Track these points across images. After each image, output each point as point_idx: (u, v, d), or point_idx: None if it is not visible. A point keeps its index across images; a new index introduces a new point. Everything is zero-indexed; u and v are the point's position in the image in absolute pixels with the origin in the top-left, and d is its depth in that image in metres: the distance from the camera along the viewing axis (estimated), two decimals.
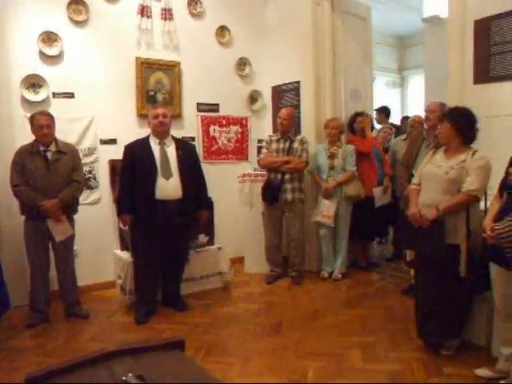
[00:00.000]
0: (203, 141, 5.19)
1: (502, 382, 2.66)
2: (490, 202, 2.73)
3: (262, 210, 4.78)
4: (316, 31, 4.89)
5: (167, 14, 4.82)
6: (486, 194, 2.92)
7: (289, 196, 4.54)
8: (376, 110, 6.63)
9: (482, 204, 2.95)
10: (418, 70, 9.06)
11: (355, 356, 3.09)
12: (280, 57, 5.29)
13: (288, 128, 4.62)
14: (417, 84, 9.57)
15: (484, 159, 2.85)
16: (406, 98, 10.47)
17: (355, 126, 4.90)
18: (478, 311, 3.14)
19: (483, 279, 2.81)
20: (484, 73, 3.52)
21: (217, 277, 4.56)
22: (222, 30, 5.25)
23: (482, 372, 2.80)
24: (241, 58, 5.38)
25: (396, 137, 5.60)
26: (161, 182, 3.70)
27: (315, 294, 4.37)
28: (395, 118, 8.00)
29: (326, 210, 4.62)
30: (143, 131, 4.15)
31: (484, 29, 3.50)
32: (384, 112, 6.68)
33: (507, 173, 1.94)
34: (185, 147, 3.95)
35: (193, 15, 5.05)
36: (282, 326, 3.62)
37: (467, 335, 3.18)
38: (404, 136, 5.09)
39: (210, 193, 4.20)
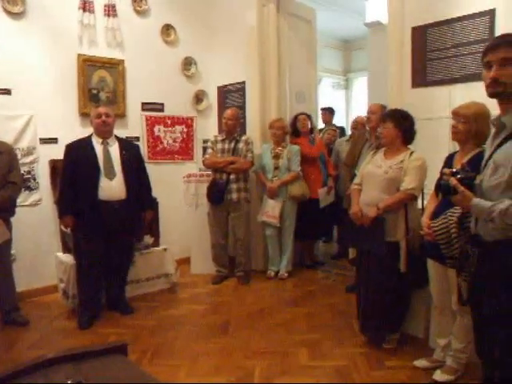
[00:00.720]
0: (148, 141, 5.11)
1: (438, 370, 2.79)
2: (427, 201, 2.86)
3: (207, 211, 4.77)
4: (261, 32, 4.94)
5: (110, 10, 4.70)
6: (422, 193, 3.06)
7: (234, 196, 4.56)
8: (322, 109, 6.78)
9: (419, 202, 3.09)
10: (363, 72, 9.28)
11: (301, 353, 3.15)
12: (226, 57, 5.30)
13: (233, 128, 4.63)
14: (361, 86, 9.83)
15: (420, 159, 2.99)
16: (350, 100, 10.74)
17: (298, 125, 4.96)
18: (417, 305, 3.28)
19: (422, 275, 2.92)
20: (421, 77, 3.68)
21: (163, 278, 4.50)
22: (168, 29, 5.18)
23: (421, 363, 2.93)
24: (186, 58, 5.34)
25: (340, 137, 5.74)
26: (104, 182, 3.62)
27: (262, 293, 4.41)
28: (340, 119, 8.21)
29: (272, 209, 4.68)
30: (86, 130, 4.04)
31: (421, 36, 3.67)
32: (330, 112, 6.83)
33: (442, 173, 2.04)
34: (128, 147, 3.89)
35: (137, 12, 4.96)
36: (229, 325, 3.63)
37: (407, 329, 3.32)
38: (347, 137, 5.22)
39: (155, 193, 4.15)
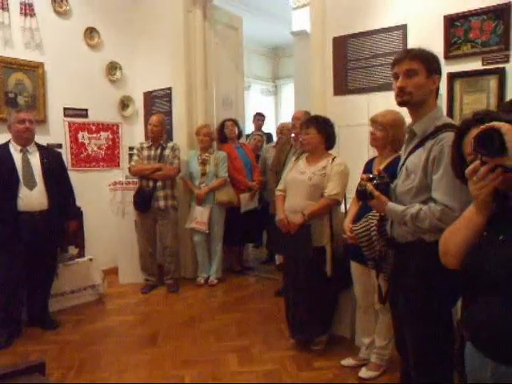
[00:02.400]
0: (71, 148, 4.91)
1: (364, 368, 2.91)
2: (349, 205, 2.97)
3: (134, 219, 4.67)
4: (188, 38, 4.92)
5: (27, 9, 4.46)
6: (345, 197, 3.18)
7: (161, 203, 4.50)
8: (257, 114, 6.88)
9: (342, 207, 3.20)
10: (291, 79, 9.42)
11: (231, 360, 3.16)
12: (152, 62, 5.22)
13: (158, 135, 4.58)
14: (289, 92, 9.99)
15: (342, 165, 3.09)
16: (279, 106, 10.95)
17: (225, 131, 4.98)
18: (344, 307, 3.39)
19: (346, 277, 3.03)
20: (342, 85, 3.84)
21: (89, 290, 4.34)
22: (91, 32, 5.02)
23: (348, 362, 3.04)
24: (111, 62, 5.20)
25: (267, 144, 5.83)
26: (24, 192, 3.45)
27: (192, 300, 4.38)
28: (269, 125, 8.33)
29: (200, 216, 4.66)
30: (2, 137, 3.81)
31: (342, 46, 3.82)
32: (262, 117, 6.95)
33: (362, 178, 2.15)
34: (50, 155, 3.74)
35: (58, 13, 4.75)
36: (159, 335, 3.57)
37: (335, 330, 3.42)
38: (274, 143, 5.31)
39: (79, 202, 4.01)
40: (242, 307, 4.17)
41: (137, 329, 3.74)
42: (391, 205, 1.94)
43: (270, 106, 10.60)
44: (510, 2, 3.12)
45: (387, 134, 2.65)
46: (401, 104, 1.97)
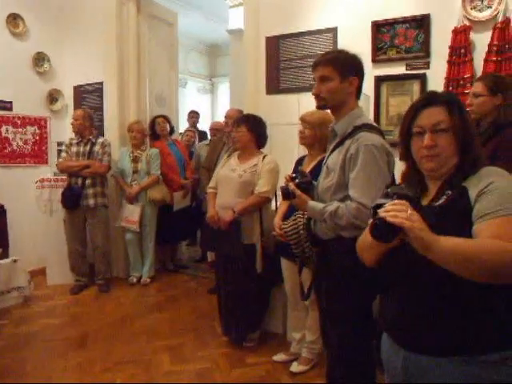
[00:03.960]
0: None
1: (295, 362, 2.97)
2: (280, 203, 3.02)
3: (63, 217, 4.51)
4: (120, 31, 4.81)
5: None
6: (276, 195, 3.23)
7: (91, 201, 4.38)
8: (191, 112, 6.82)
9: (273, 204, 3.25)
10: (227, 78, 9.41)
11: (164, 359, 3.13)
12: (83, 55, 5.05)
13: (82, 129, 4.44)
14: (226, 91, 10.01)
15: (273, 163, 3.15)
16: (216, 104, 10.92)
17: (156, 128, 4.91)
18: (275, 303, 3.44)
19: (277, 273, 3.08)
20: (274, 84, 3.91)
21: (14, 293, 4.14)
22: (15, 19, 4.74)
23: (279, 357, 3.09)
24: (38, 53, 4.97)
25: (200, 141, 5.80)
26: None
27: (123, 300, 4.28)
28: (205, 123, 8.28)
29: (131, 214, 4.58)
30: None
31: (274, 45, 3.89)
32: (196, 114, 6.89)
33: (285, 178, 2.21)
34: None
35: None
36: (88, 337, 3.47)
37: (267, 326, 3.47)
38: (208, 141, 5.29)
39: (3, 200, 3.81)
40: (174, 306, 4.13)
41: (65, 331, 3.61)
42: (312, 203, 2.00)
43: (206, 104, 10.57)
44: (429, 14, 3.32)
45: (315, 132, 2.73)
46: (318, 108, 2.09)
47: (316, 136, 2.73)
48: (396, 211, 1.13)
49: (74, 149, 4.45)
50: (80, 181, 4.36)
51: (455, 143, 1.30)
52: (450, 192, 1.29)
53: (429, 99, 1.35)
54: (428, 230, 1.13)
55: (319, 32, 3.69)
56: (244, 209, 3.08)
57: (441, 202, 1.29)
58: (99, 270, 4.59)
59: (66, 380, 2.87)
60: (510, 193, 1.20)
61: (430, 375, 1.24)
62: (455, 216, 1.24)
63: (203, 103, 10.28)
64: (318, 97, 2.01)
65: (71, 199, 4.34)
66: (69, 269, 4.57)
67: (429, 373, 1.25)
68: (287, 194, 2.04)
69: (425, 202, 1.37)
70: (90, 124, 4.51)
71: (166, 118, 4.97)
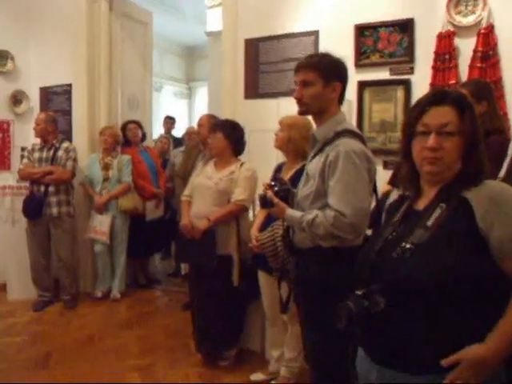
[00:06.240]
0: None
1: (273, 382, 2.96)
2: (257, 212, 3.04)
3: (25, 227, 4.45)
4: (91, 31, 4.81)
5: None
6: (254, 204, 3.25)
7: (54, 210, 4.34)
8: (167, 117, 6.81)
9: (250, 214, 3.27)
10: (205, 82, 9.41)
11: (133, 379, 3.10)
12: (50, 54, 5.02)
13: (44, 134, 4.42)
14: (204, 96, 10.02)
15: (250, 170, 3.18)
16: (193, 110, 10.91)
17: (128, 134, 4.90)
18: (253, 319, 3.43)
19: (255, 287, 3.07)
20: (253, 89, 3.94)
21: None
22: None
23: (257, 376, 3.09)
24: (1, 51, 4.94)
25: (175, 148, 5.79)
26: None
27: (91, 317, 4.24)
28: (182, 130, 8.29)
29: (100, 225, 4.54)
30: None
31: (253, 48, 3.93)
32: (172, 120, 6.89)
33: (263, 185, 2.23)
34: None
35: None
36: (51, 357, 3.42)
37: (244, 343, 3.45)
38: (182, 148, 5.28)
39: None
40: (146, 323, 4.10)
41: (26, 351, 3.54)
42: (290, 211, 2.01)
43: (183, 110, 10.57)
44: (413, 18, 3.40)
45: (285, 134, 2.78)
46: (300, 113, 2.12)
47: (287, 138, 2.77)
48: None
49: (37, 154, 4.43)
50: (42, 188, 4.32)
51: (461, 148, 1.28)
52: (444, 205, 1.28)
53: (438, 97, 1.33)
54: None
55: (300, 35, 3.75)
56: (220, 217, 3.09)
57: (436, 214, 1.28)
58: (64, 284, 4.53)
59: None
60: None
61: None
62: (455, 234, 1.22)
63: (180, 108, 10.28)
64: (299, 102, 2.04)
65: (33, 208, 4.30)
66: (31, 283, 4.50)
67: None
68: (265, 203, 2.06)
69: (420, 206, 1.37)
70: (53, 128, 4.48)
71: (137, 124, 4.97)
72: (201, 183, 3.22)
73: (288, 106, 3.58)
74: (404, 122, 1.42)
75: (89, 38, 4.79)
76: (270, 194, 2.04)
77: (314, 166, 2.01)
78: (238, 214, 3.14)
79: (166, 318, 4.20)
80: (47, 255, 4.52)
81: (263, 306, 3.08)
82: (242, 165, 3.19)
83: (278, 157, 3.22)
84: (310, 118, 2.28)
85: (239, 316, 3.33)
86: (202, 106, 10.19)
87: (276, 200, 2.02)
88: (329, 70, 2.00)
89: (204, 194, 3.18)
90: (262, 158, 3.56)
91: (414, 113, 1.34)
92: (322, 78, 1.98)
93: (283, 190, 2.06)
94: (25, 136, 5.11)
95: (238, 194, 3.09)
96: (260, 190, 2.21)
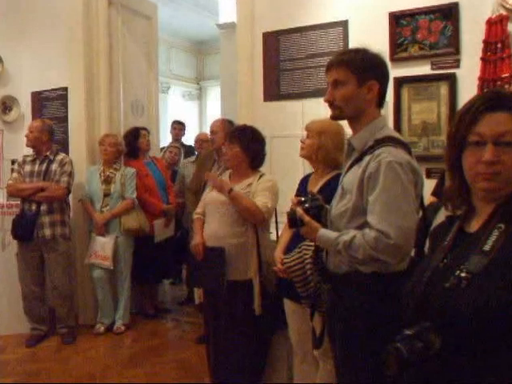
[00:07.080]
0: None
1: None
2: (281, 232, 3.02)
3: (16, 251, 4.50)
4: (88, 27, 4.89)
5: None
6: (277, 223, 3.23)
7: (47, 232, 4.36)
8: (175, 122, 6.85)
9: (273, 234, 3.25)
10: (217, 80, 9.39)
11: None
12: (43, 56, 5.12)
13: (37, 144, 4.47)
14: (217, 96, 10.05)
15: (271, 181, 3.19)
16: (204, 112, 10.94)
17: (141, 141, 4.90)
18: (278, 352, 3.38)
19: (280, 316, 3.04)
20: (273, 90, 3.94)
21: None
22: None
23: None
24: None
25: (186, 158, 5.81)
26: None
27: (92, 353, 4.26)
28: (191, 135, 8.33)
29: (101, 248, 4.56)
30: None
31: (273, 43, 3.94)
32: (183, 126, 6.93)
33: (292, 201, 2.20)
34: None
35: None
36: None
37: (268, 379, 3.40)
38: (193, 158, 5.32)
39: None
40: (155, 359, 4.11)
41: None
42: (323, 231, 1.98)
43: (193, 113, 10.64)
44: (457, 2, 3.36)
45: (314, 141, 2.75)
46: (333, 118, 2.10)
47: (317, 146, 2.75)
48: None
49: (28, 167, 4.47)
50: (34, 206, 4.35)
51: None
52: (503, 226, 1.24)
53: (493, 101, 1.29)
54: None
55: (327, 26, 3.74)
56: (240, 197, 3.07)
57: (494, 237, 1.24)
58: (60, 315, 4.56)
59: None
60: None
61: None
62: None
63: (189, 112, 10.35)
64: (331, 105, 2.03)
65: (23, 229, 4.33)
66: (23, 315, 4.54)
67: None
68: (294, 221, 2.03)
69: (473, 227, 1.34)
70: (48, 138, 4.52)
71: (147, 131, 5.02)
72: (214, 198, 3.22)
73: (314, 109, 3.60)
74: (451, 130, 1.38)
75: (86, 35, 4.87)
76: (299, 211, 2.02)
77: (350, 178, 1.98)
78: (254, 218, 3.10)
79: (178, 353, 4.21)
80: (40, 283, 4.54)
81: (290, 338, 3.06)
82: (261, 176, 3.19)
83: (304, 166, 3.21)
84: (341, 122, 2.27)
85: (262, 350, 3.30)
86: (214, 108, 10.23)
87: (307, 218, 2.00)
88: (363, 66, 1.99)
89: (218, 210, 3.18)
90: (285, 169, 3.56)
91: (466, 120, 1.31)
92: (355, 76, 1.97)
93: (315, 206, 2.03)
94: (15, 147, 5.18)
95: (263, 198, 3.07)
96: (283, 206, 2.19)
